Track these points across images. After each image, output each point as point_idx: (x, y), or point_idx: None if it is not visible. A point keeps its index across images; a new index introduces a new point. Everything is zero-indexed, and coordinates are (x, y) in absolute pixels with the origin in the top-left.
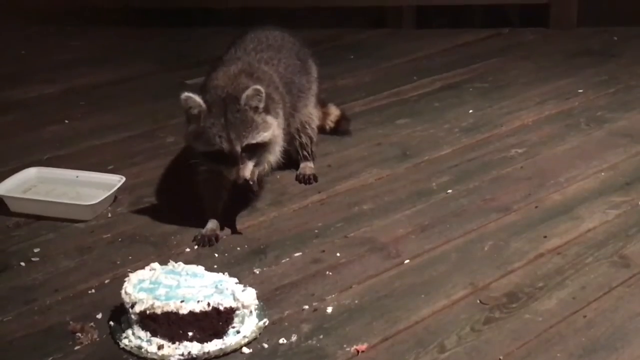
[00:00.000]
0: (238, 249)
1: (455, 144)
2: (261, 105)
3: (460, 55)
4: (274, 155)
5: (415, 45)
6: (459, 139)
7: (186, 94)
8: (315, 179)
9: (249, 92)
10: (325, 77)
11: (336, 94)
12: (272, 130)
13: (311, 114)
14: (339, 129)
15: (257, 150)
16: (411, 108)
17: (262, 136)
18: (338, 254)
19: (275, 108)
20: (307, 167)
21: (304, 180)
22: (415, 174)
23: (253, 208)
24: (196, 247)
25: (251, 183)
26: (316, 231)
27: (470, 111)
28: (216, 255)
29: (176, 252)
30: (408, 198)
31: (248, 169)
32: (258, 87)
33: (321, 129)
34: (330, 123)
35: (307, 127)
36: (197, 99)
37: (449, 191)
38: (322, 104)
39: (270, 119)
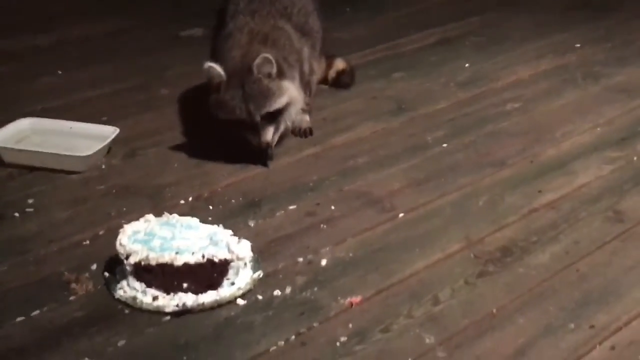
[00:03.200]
0: (233, 201)
1: (451, 98)
2: (273, 71)
3: (457, 8)
4: (292, 116)
5: None
6: (454, 93)
7: (208, 64)
8: (311, 132)
9: (258, 61)
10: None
11: (332, 48)
12: (287, 95)
13: (312, 64)
14: (340, 82)
15: (276, 115)
16: (407, 62)
17: (279, 102)
18: (333, 207)
19: (292, 70)
20: (303, 120)
21: (300, 133)
22: (411, 127)
23: (245, 163)
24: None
25: (271, 148)
26: (311, 184)
27: (466, 65)
28: (211, 207)
29: (170, 204)
30: (403, 152)
31: (269, 134)
32: (266, 55)
33: (322, 80)
34: (332, 74)
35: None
36: (219, 69)
37: (444, 145)
38: (327, 55)
39: (285, 83)
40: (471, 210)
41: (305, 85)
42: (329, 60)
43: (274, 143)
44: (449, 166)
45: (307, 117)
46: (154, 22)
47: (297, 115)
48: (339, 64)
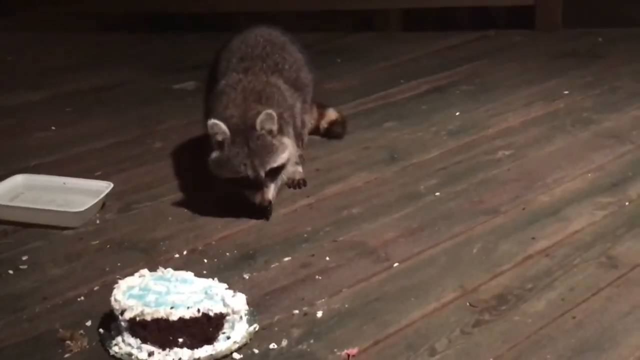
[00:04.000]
0: (227, 254)
1: (443, 147)
2: (274, 128)
3: (446, 57)
4: (288, 170)
5: (402, 48)
6: (446, 142)
7: (213, 120)
8: (305, 183)
9: (262, 117)
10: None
11: (323, 98)
12: (288, 151)
13: (303, 118)
14: (332, 132)
15: (278, 171)
16: (398, 111)
17: (281, 158)
18: (327, 258)
19: (287, 127)
20: (296, 171)
21: (293, 184)
22: (404, 177)
23: (239, 215)
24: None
25: (271, 205)
26: (305, 235)
27: (457, 113)
28: (205, 260)
29: (165, 258)
30: (397, 201)
31: (272, 192)
32: (269, 111)
33: (314, 130)
34: (324, 124)
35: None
36: (223, 126)
37: (437, 194)
38: (318, 105)
39: (285, 139)
40: (465, 258)
41: (297, 138)
42: (321, 110)
43: (274, 200)
44: (443, 215)
45: (300, 169)
46: (147, 75)
47: (290, 167)
48: (331, 115)
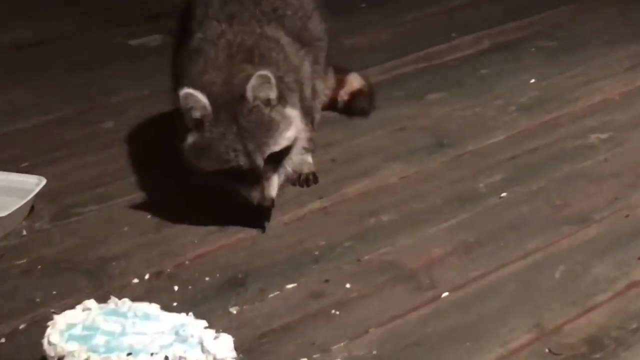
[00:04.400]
0: (207, 279)
1: (511, 128)
2: (273, 95)
3: (516, 1)
4: (296, 156)
5: None
6: (516, 121)
7: (187, 90)
8: (315, 179)
9: (254, 81)
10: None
11: (343, 59)
12: (295, 126)
13: (315, 85)
14: (354, 107)
15: (281, 157)
16: (448, 77)
17: (286, 137)
18: (348, 285)
19: (291, 96)
20: (304, 162)
21: (300, 181)
22: (456, 170)
23: (227, 222)
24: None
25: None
26: (317, 253)
27: (532, 81)
28: (176, 288)
29: (119, 284)
30: (445, 205)
31: (275, 186)
32: (264, 72)
33: (331, 104)
34: (344, 96)
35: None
36: (202, 98)
37: (503, 195)
38: (336, 69)
39: (289, 110)
40: (543, 286)
41: (306, 114)
42: (339, 76)
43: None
44: (511, 224)
45: (309, 159)
46: (93, 26)
47: (297, 155)
48: (354, 82)
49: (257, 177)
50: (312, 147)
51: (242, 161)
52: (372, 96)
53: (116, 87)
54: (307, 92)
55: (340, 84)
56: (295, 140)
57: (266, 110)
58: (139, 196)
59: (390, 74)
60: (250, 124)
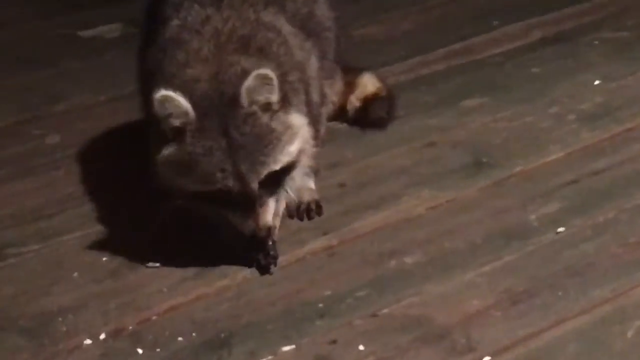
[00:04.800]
0: (180, 339)
1: (571, 143)
2: (275, 98)
3: None
4: (300, 171)
5: None
6: (576, 134)
7: (164, 92)
8: (319, 209)
9: (250, 82)
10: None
11: (355, 55)
12: (300, 138)
13: (322, 86)
14: (368, 116)
15: (281, 175)
16: (489, 78)
17: (289, 153)
18: (361, 347)
19: (296, 98)
20: (305, 187)
21: (299, 212)
22: (499, 198)
23: (208, 263)
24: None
25: (268, 242)
26: (321, 305)
27: (597, 82)
28: (140, 351)
29: (66, 346)
30: (486, 243)
31: (271, 213)
32: (263, 70)
33: (338, 112)
34: (355, 102)
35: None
36: (183, 102)
37: (561, 230)
38: (346, 68)
39: (294, 117)
40: (613, 347)
41: (313, 123)
42: (350, 78)
43: (275, 233)
44: (570, 268)
45: (311, 183)
46: (34, 13)
47: (297, 176)
48: (368, 85)
49: (250, 203)
50: (316, 169)
51: (232, 184)
52: (392, 102)
53: (63, 91)
54: (315, 95)
55: (350, 87)
56: (299, 154)
57: (265, 119)
58: (92, 232)
59: (415, 73)
60: (244, 136)
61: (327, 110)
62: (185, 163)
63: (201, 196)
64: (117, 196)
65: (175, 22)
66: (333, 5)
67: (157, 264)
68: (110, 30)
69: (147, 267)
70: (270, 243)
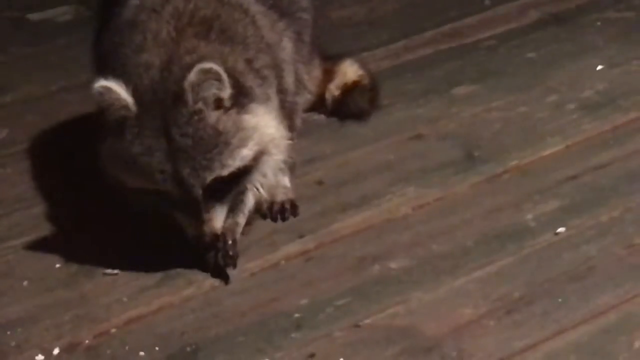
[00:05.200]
0: (141, 353)
1: (571, 135)
2: (225, 94)
3: None
4: (267, 175)
5: None
6: (577, 124)
7: (103, 82)
8: (294, 209)
9: (193, 76)
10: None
11: (333, 40)
12: (256, 139)
13: (298, 72)
14: (349, 106)
15: (234, 180)
16: (481, 63)
17: (241, 157)
18: None
19: (265, 87)
20: (279, 185)
21: (273, 212)
22: (493, 195)
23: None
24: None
25: (227, 241)
26: (297, 315)
27: (599, 68)
28: None
29: None
30: (479, 246)
31: (218, 220)
32: (208, 65)
33: (316, 102)
34: (334, 91)
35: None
36: (124, 94)
37: (560, 230)
38: (324, 55)
39: (251, 116)
40: (620, 359)
41: (288, 114)
42: (329, 64)
43: (237, 232)
44: (571, 272)
45: (286, 180)
46: None
47: (267, 174)
48: (348, 72)
49: (194, 209)
50: (291, 165)
51: (172, 188)
52: (374, 91)
53: (10, 81)
54: (289, 80)
55: (329, 75)
56: (259, 157)
57: (212, 118)
58: (43, 236)
59: (400, 59)
60: (185, 137)
61: (303, 99)
62: (125, 158)
63: (145, 193)
64: (70, 196)
65: (133, 1)
66: None
67: (116, 271)
68: (62, 12)
69: (105, 274)
70: (230, 242)
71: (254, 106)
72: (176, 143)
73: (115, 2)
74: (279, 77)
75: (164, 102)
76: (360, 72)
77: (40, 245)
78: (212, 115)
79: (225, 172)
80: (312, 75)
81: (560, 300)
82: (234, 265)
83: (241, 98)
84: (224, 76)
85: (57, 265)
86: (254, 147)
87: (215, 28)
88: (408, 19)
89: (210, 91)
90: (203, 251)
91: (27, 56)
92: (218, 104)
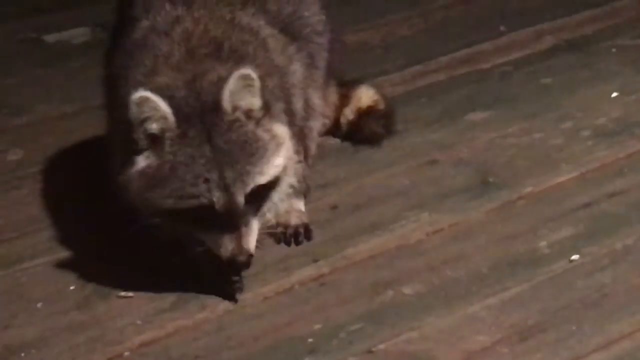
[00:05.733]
0: None
1: (586, 162)
2: (257, 104)
3: None
4: (281, 193)
5: None
6: (592, 152)
7: (142, 93)
8: (308, 234)
9: (231, 85)
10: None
11: (347, 64)
12: (285, 150)
13: (309, 97)
14: (364, 131)
15: (265, 193)
16: (496, 89)
17: (275, 165)
18: None
19: (275, 105)
20: (292, 209)
21: (286, 237)
22: (507, 222)
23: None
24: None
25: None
26: (310, 340)
27: (614, 95)
28: None
29: None
30: (493, 272)
31: (254, 236)
32: (245, 70)
33: (331, 127)
34: (349, 115)
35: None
36: (163, 105)
37: (575, 257)
38: (340, 80)
39: (278, 127)
40: None
41: (298, 139)
42: (344, 89)
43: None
44: (586, 300)
45: (300, 204)
46: None
47: (281, 199)
48: (363, 96)
49: (233, 221)
50: (304, 189)
51: (217, 196)
52: (389, 116)
53: (27, 102)
54: (297, 104)
55: (344, 99)
56: (285, 169)
57: (250, 126)
58: (58, 257)
59: (415, 84)
60: (229, 144)
61: (318, 124)
62: (163, 174)
63: (175, 214)
64: (85, 218)
65: (144, 23)
66: (325, 6)
67: (130, 294)
68: (78, 34)
69: (119, 296)
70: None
71: (277, 119)
72: (220, 150)
73: (127, 22)
74: (287, 100)
75: (202, 112)
76: (376, 97)
77: (54, 267)
78: (249, 124)
79: (264, 180)
80: (329, 100)
81: (574, 328)
82: (241, 290)
83: (268, 110)
84: (258, 83)
85: (71, 287)
86: (284, 156)
87: (225, 48)
88: (423, 44)
89: (246, 99)
90: (235, 272)
91: (43, 77)
92: (249, 113)
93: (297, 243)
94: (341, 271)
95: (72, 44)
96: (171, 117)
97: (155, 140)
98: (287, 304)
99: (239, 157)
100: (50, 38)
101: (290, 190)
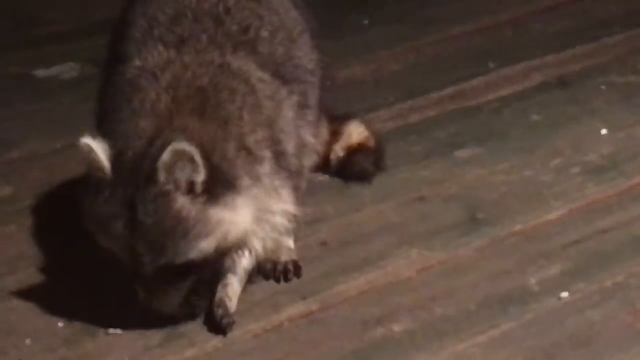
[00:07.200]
0: None
1: (575, 199)
2: (199, 177)
3: (579, 18)
4: (255, 247)
5: None
6: (581, 188)
7: (86, 141)
8: (297, 270)
9: (165, 157)
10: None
11: (338, 100)
12: (218, 235)
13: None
14: (353, 167)
15: (194, 270)
16: (485, 125)
17: (197, 249)
18: None
19: (260, 164)
20: (281, 246)
21: (275, 273)
22: (496, 259)
23: (176, 330)
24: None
25: (216, 312)
26: None
27: (604, 132)
28: None
29: None
30: (482, 310)
31: (167, 303)
32: (180, 145)
33: (321, 163)
34: (339, 152)
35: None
36: (102, 156)
37: (563, 295)
38: (330, 115)
39: (217, 210)
40: None
41: (292, 178)
42: (334, 125)
43: (228, 301)
44: (575, 338)
45: (290, 242)
46: None
47: (270, 239)
48: (353, 133)
49: (143, 284)
50: (293, 226)
51: (126, 260)
52: (379, 153)
53: (15, 136)
54: (289, 147)
55: (334, 136)
56: (220, 250)
57: (178, 203)
58: (47, 293)
59: (404, 120)
60: (146, 216)
61: (310, 161)
62: (96, 218)
63: (113, 254)
64: (74, 255)
65: (135, 62)
66: (316, 45)
67: (119, 330)
68: (68, 69)
69: (108, 334)
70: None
71: (230, 198)
72: (137, 218)
73: (119, 61)
74: (277, 149)
75: (139, 175)
76: (366, 133)
77: (43, 304)
78: (179, 200)
79: (178, 261)
80: (320, 136)
81: None
82: (224, 334)
83: (218, 187)
84: (198, 160)
85: (60, 324)
86: (212, 242)
87: (211, 101)
88: (413, 79)
89: (184, 173)
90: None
91: (33, 112)
92: (191, 187)
93: (287, 280)
94: (330, 308)
95: (61, 79)
96: (108, 172)
97: (97, 184)
98: (276, 341)
99: (154, 231)
100: (40, 73)
101: (280, 228)
